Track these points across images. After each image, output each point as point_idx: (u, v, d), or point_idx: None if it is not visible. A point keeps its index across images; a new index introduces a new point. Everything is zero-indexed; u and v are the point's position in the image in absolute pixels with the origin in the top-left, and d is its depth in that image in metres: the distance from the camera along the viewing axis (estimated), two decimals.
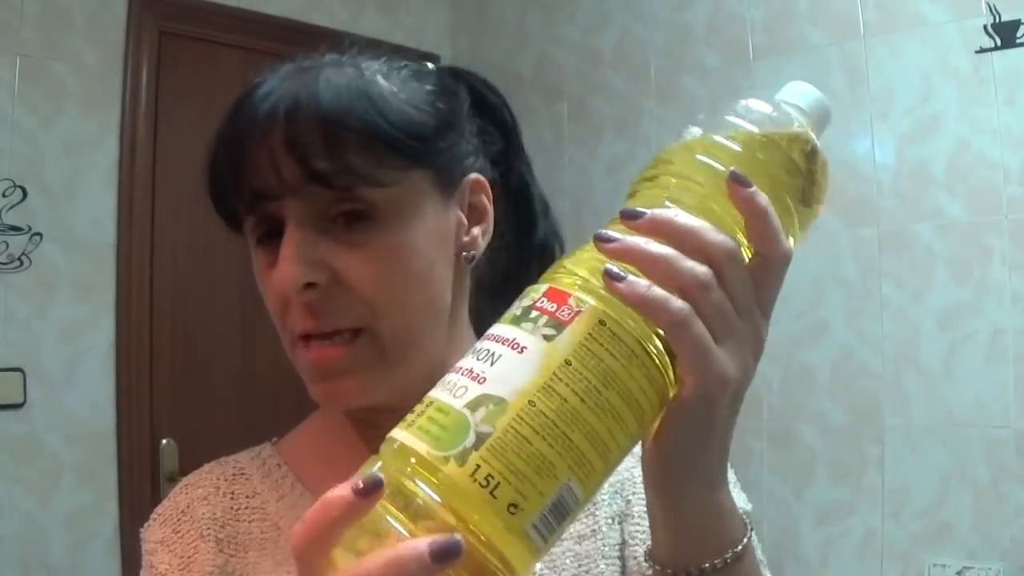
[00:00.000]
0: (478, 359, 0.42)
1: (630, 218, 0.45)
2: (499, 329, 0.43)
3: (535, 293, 0.44)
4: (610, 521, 0.70)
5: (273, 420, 0.77)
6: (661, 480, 0.47)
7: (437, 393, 0.42)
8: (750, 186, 0.44)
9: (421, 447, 0.40)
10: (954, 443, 2.16)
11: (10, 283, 2.29)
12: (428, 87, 0.66)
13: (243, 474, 0.72)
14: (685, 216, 0.44)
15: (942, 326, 2.19)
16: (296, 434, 0.76)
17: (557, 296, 0.43)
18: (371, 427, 0.67)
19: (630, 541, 0.69)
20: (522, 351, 0.41)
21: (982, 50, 2.14)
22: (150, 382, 2.51)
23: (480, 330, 0.72)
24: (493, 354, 0.42)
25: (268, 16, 2.76)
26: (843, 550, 2.31)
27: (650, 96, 2.74)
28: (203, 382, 2.60)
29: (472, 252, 0.69)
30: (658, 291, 0.42)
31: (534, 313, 0.42)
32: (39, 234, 2.34)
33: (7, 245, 2.29)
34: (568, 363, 0.41)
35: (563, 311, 0.42)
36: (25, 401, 2.29)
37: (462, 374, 0.42)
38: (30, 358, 2.31)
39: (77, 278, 2.40)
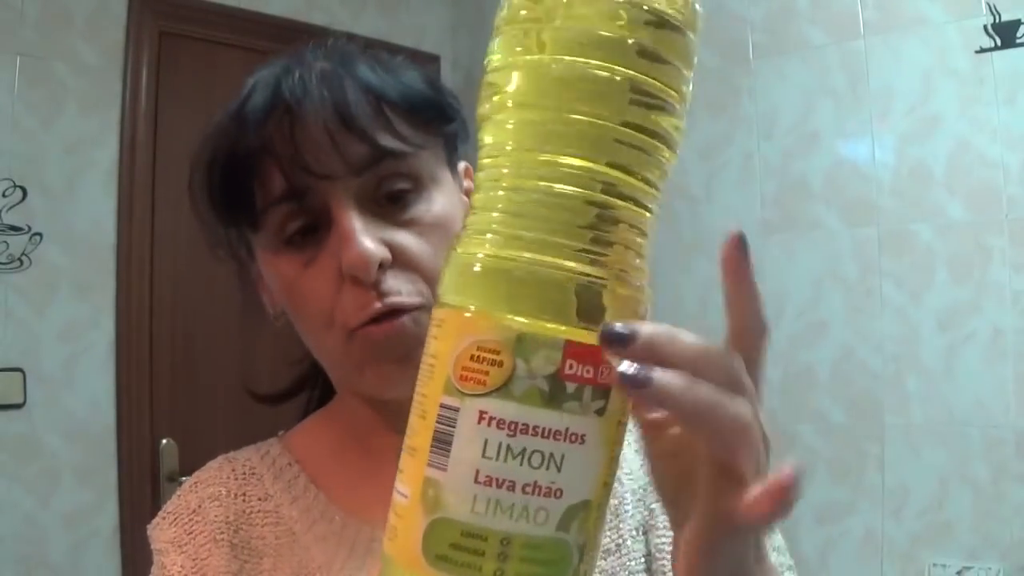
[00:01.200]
0: (534, 466, 0.35)
1: (620, 344, 0.36)
2: (533, 416, 0.35)
3: (550, 351, 0.35)
4: (635, 533, 0.67)
5: (273, 420, 0.76)
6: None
7: (507, 525, 0.35)
8: (749, 264, 0.39)
9: None
10: (954, 443, 2.16)
11: (10, 283, 2.29)
12: (420, 72, 0.68)
13: (254, 474, 0.70)
14: (685, 340, 0.38)
15: (942, 326, 2.19)
16: (304, 429, 0.74)
17: (586, 355, 0.36)
18: (395, 412, 0.66)
19: (657, 554, 0.67)
20: (583, 441, 0.36)
21: (982, 50, 2.14)
22: (150, 382, 2.51)
23: None
24: (553, 457, 0.35)
25: (268, 16, 2.76)
26: (843, 550, 2.31)
27: None
28: (203, 382, 2.60)
29: None
30: (710, 395, 0.37)
31: (571, 386, 0.35)
32: (39, 234, 2.34)
33: (7, 245, 2.29)
34: (621, 423, 0.37)
35: (603, 372, 0.36)
36: (25, 401, 2.29)
37: (529, 492, 0.35)
38: (30, 358, 2.31)
39: (77, 278, 2.40)
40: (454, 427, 0.35)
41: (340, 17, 2.93)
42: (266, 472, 0.70)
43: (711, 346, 0.39)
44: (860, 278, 2.33)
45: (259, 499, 0.69)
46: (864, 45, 2.33)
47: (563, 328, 0.36)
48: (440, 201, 0.63)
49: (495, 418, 0.35)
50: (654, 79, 0.38)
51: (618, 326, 0.36)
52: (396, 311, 0.60)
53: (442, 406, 0.36)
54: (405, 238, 0.61)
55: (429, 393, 0.37)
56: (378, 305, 0.59)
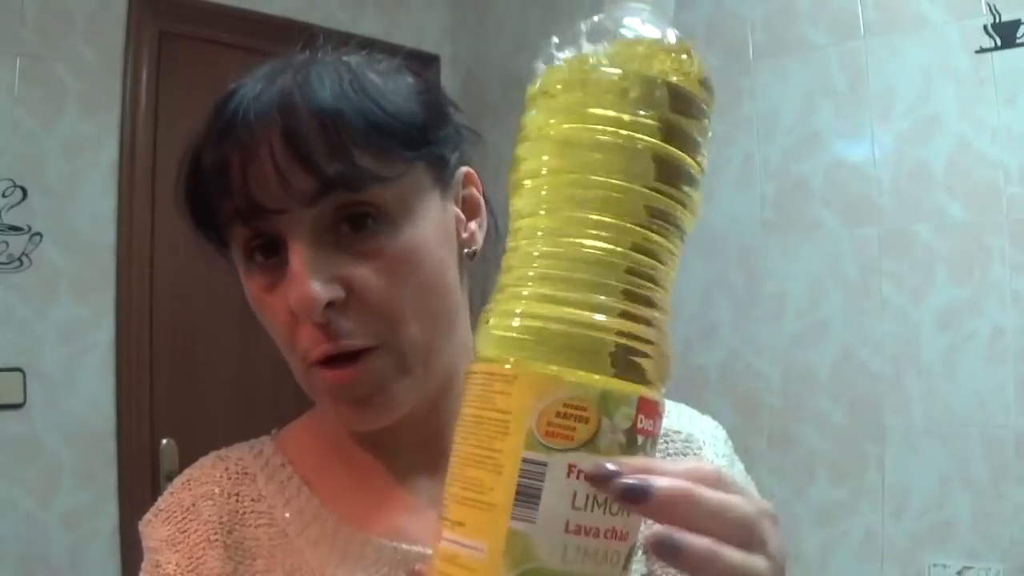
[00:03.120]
0: (612, 513, 0.37)
1: (638, 499, 0.38)
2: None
3: (628, 408, 0.38)
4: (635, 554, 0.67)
5: (273, 419, 0.76)
6: None
7: (591, 569, 0.37)
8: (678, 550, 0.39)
9: None
10: (954, 443, 2.16)
11: (10, 283, 2.29)
12: (409, 79, 0.64)
13: (247, 474, 0.69)
14: (704, 497, 0.39)
15: (942, 326, 2.19)
16: (296, 428, 0.73)
17: (652, 411, 0.39)
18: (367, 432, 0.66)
19: (660, 573, 0.66)
20: None
21: (982, 50, 2.14)
22: (150, 382, 2.51)
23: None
24: None
25: (268, 16, 2.76)
26: (843, 550, 2.31)
27: None
28: (203, 382, 2.60)
29: (473, 248, 0.67)
30: (733, 558, 0.39)
31: (640, 439, 0.38)
32: (39, 234, 2.34)
33: (7, 245, 2.29)
34: None
35: (657, 424, 0.40)
36: (25, 401, 2.29)
37: (608, 537, 0.37)
38: (30, 358, 2.31)
39: (77, 278, 2.40)
40: (542, 481, 0.37)
41: (340, 17, 2.93)
42: (259, 472, 0.69)
43: (733, 501, 0.40)
44: (860, 278, 2.33)
45: (252, 500, 0.68)
46: (864, 45, 2.33)
47: (636, 386, 0.39)
48: (408, 233, 0.60)
49: (584, 471, 0.37)
50: (675, 150, 0.41)
51: (632, 481, 0.38)
52: (350, 354, 0.58)
53: (526, 460, 0.37)
54: (362, 274, 0.58)
55: (505, 449, 0.38)
56: (328, 346, 0.58)
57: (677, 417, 0.72)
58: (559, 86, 0.42)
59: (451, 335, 0.64)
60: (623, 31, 0.42)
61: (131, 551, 2.39)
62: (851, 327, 2.34)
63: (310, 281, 0.56)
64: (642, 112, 0.40)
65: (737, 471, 0.71)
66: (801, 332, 2.42)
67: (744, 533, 0.40)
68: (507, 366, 0.39)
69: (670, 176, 0.41)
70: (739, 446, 0.75)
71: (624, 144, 0.40)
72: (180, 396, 2.56)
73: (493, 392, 0.39)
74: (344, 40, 0.66)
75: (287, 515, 0.67)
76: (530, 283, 0.40)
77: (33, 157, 2.34)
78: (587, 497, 0.37)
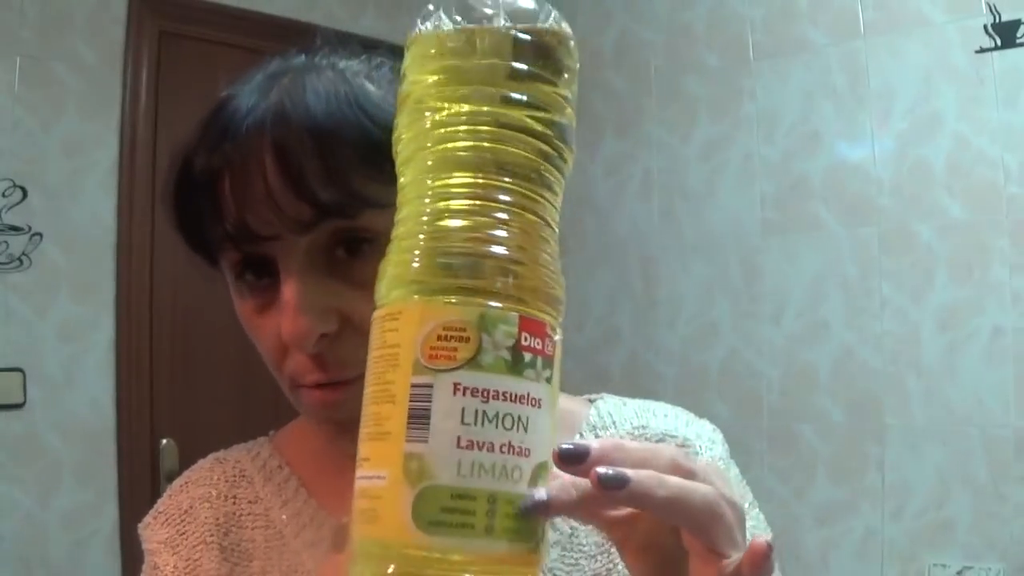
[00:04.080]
0: (507, 428, 0.38)
1: (578, 460, 0.40)
2: (502, 383, 0.38)
3: (506, 326, 0.39)
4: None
5: (273, 420, 0.76)
6: None
7: (490, 484, 0.38)
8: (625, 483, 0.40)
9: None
10: (954, 443, 2.16)
11: (10, 283, 2.29)
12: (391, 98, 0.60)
13: (244, 476, 0.69)
14: (630, 445, 0.42)
15: (942, 326, 2.19)
16: (294, 429, 0.73)
17: (538, 329, 0.40)
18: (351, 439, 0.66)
19: None
20: (540, 405, 0.40)
21: (982, 50, 2.14)
22: (150, 382, 2.51)
23: None
24: (520, 419, 0.39)
25: (268, 16, 2.76)
26: (843, 550, 2.31)
27: (650, 96, 2.74)
28: (203, 382, 2.60)
29: None
30: (678, 484, 0.41)
31: (527, 356, 0.39)
32: (39, 234, 2.34)
33: (7, 245, 2.29)
34: (555, 387, 0.41)
35: (547, 344, 0.40)
36: (25, 401, 2.29)
37: (505, 451, 0.38)
38: (30, 358, 2.31)
39: (77, 278, 2.40)
40: (430, 401, 0.38)
41: (340, 17, 2.93)
42: (256, 474, 0.69)
43: (654, 445, 0.43)
44: (860, 278, 2.33)
45: (249, 502, 0.68)
46: (864, 45, 2.33)
47: (517, 305, 0.40)
48: None
49: (468, 387, 0.38)
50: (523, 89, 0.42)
51: (567, 446, 0.40)
52: (340, 382, 0.57)
53: (414, 386, 0.38)
54: (357, 303, 0.55)
55: (396, 379, 0.39)
56: (318, 376, 0.56)
57: (674, 420, 0.71)
58: (425, 47, 0.43)
59: None
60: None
61: (131, 551, 2.40)
62: (851, 327, 2.34)
63: (303, 315, 0.54)
64: (489, 58, 0.41)
65: (732, 476, 0.70)
66: (801, 332, 2.42)
67: (677, 468, 0.42)
68: (383, 309, 0.41)
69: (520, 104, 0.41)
70: (739, 446, 0.75)
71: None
72: (180, 396, 2.56)
73: (384, 331, 0.40)
74: (344, 39, 0.62)
75: (283, 517, 0.67)
76: (412, 233, 0.41)
77: (33, 157, 2.34)
78: (476, 412, 0.38)
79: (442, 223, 0.40)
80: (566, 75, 0.43)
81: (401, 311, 0.40)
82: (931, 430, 2.20)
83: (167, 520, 0.68)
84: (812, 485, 2.37)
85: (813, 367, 2.39)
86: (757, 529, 0.68)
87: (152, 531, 0.68)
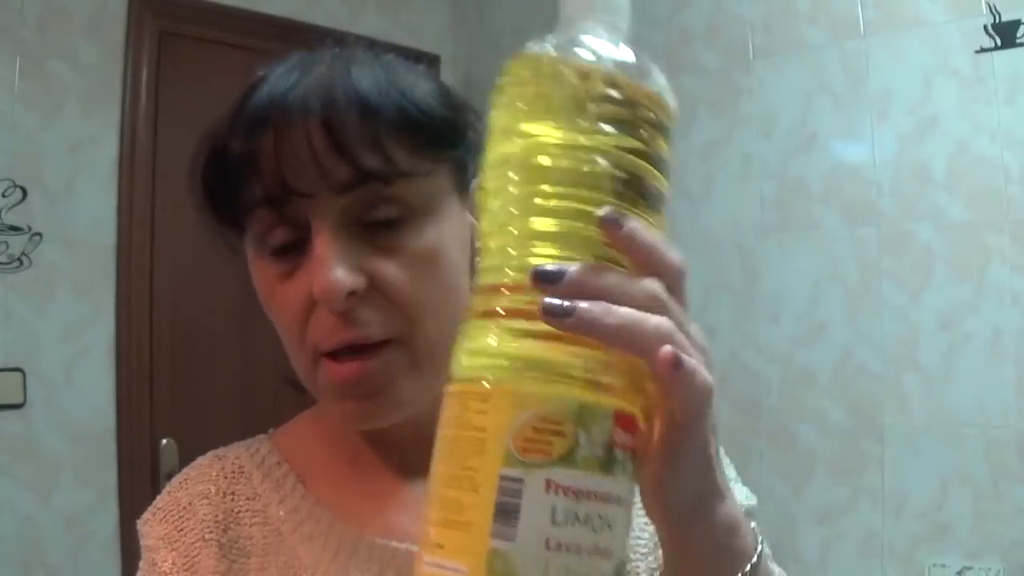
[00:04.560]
0: (595, 529, 0.37)
1: (550, 282, 0.39)
2: (594, 482, 0.38)
3: (602, 422, 0.38)
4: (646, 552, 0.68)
5: (273, 419, 0.76)
6: (675, 509, 0.44)
7: None
8: (622, 226, 0.40)
9: None
10: (954, 443, 2.16)
11: (10, 283, 2.29)
12: (435, 84, 0.65)
13: (243, 472, 0.69)
14: (608, 274, 0.40)
15: (942, 326, 2.19)
16: (294, 427, 0.73)
17: (630, 425, 0.39)
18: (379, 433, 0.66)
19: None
20: (622, 503, 0.39)
21: (982, 50, 2.14)
22: (150, 382, 2.51)
23: None
24: (607, 519, 0.38)
25: (268, 16, 2.76)
26: (843, 550, 2.31)
27: None
28: (203, 382, 2.61)
29: None
30: (630, 313, 0.39)
31: (619, 453, 0.38)
32: (39, 234, 2.34)
33: (7, 245, 2.29)
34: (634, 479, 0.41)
35: (636, 439, 0.40)
36: (25, 401, 2.29)
37: (592, 554, 0.37)
38: (30, 358, 2.31)
39: (77, 278, 2.40)
40: (520, 498, 0.36)
41: (340, 17, 2.93)
42: (255, 471, 0.70)
43: (631, 276, 0.41)
44: (860, 278, 2.33)
45: (247, 498, 0.68)
46: (864, 45, 2.33)
47: (612, 399, 0.39)
48: (432, 233, 0.60)
49: (561, 486, 0.37)
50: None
51: (549, 267, 0.39)
52: (363, 347, 0.58)
53: (503, 477, 0.37)
54: (386, 267, 0.58)
55: (481, 467, 0.37)
56: (344, 336, 0.58)
57: None
58: (522, 87, 0.42)
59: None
60: (579, 51, 0.42)
61: (131, 551, 2.39)
62: (851, 327, 2.34)
63: (335, 267, 0.56)
64: (601, 129, 0.40)
65: (731, 476, 0.72)
66: (801, 332, 2.42)
67: (644, 299, 0.41)
68: (484, 383, 0.39)
69: (630, 194, 0.40)
70: (739, 446, 0.76)
71: (581, 165, 0.40)
72: (180, 396, 2.56)
73: (469, 411, 0.38)
74: (370, 43, 0.66)
75: (281, 513, 0.67)
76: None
77: (33, 157, 2.34)
78: (567, 513, 0.37)
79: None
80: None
81: (492, 393, 0.38)
82: (931, 430, 2.20)
83: (166, 516, 0.68)
84: (812, 485, 2.37)
85: (813, 367, 2.39)
86: (739, 493, 0.70)
87: (151, 527, 0.68)
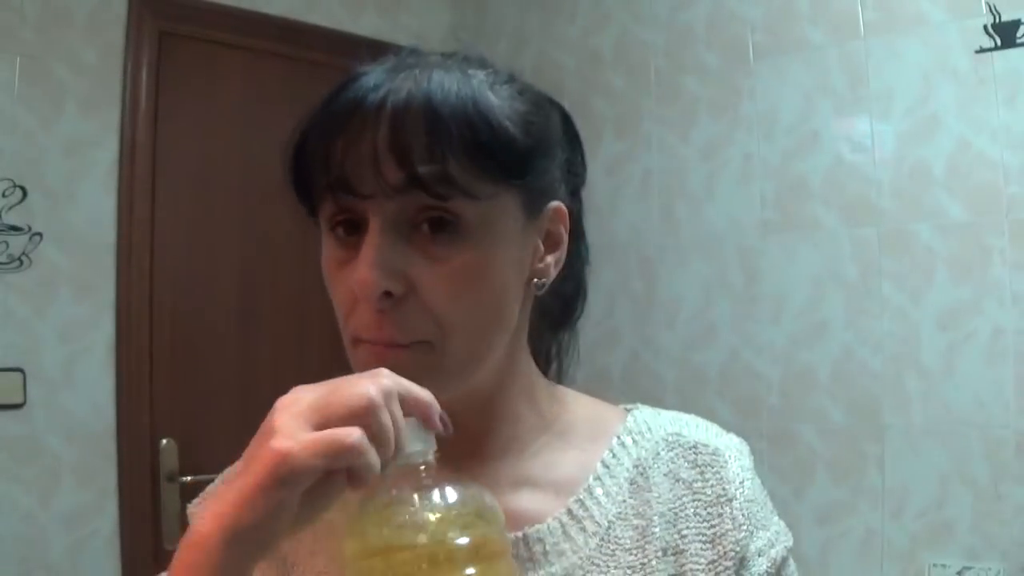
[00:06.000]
0: None
1: None
2: None
3: None
4: (660, 555, 0.69)
5: None
6: None
7: None
8: None
9: None
10: (954, 443, 2.16)
11: (10, 283, 2.29)
12: (527, 107, 0.66)
13: None
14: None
15: (942, 326, 2.19)
16: None
17: None
18: None
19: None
20: None
21: (982, 50, 2.14)
22: (150, 382, 2.51)
23: (538, 354, 0.75)
24: None
25: (268, 16, 2.76)
26: (843, 550, 2.31)
27: (650, 96, 2.74)
28: (203, 382, 2.60)
29: (544, 279, 0.69)
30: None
31: None
32: (39, 234, 2.34)
33: (7, 245, 2.29)
34: None
35: None
36: (25, 401, 2.29)
37: None
38: (30, 358, 2.31)
39: (77, 278, 2.40)
40: None
41: (340, 17, 2.93)
42: None
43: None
44: (860, 278, 2.33)
45: None
46: (864, 45, 2.33)
47: None
48: (482, 250, 0.62)
49: None
50: None
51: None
52: (395, 344, 0.62)
53: None
54: (428, 275, 0.61)
55: None
56: (376, 334, 0.62)
57: (705, 431, 0.77)
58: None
59: (494, 355, 0.67)
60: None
61: (131, 551, 2.40)
62: (851, 327, 2.34)
63: (374, 268, 0.59)
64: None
65: (756, 485, 0.76)
66: (801, 332, 2.42)
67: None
68: None
69: None
70: None
71: None
72: (180, 396, 2.56)
73: None
74: (466, 56, 0.68)
75: None
76: None
77: (33, 157, 2.34)
78: None
79: None
80: None
81: None
82: (931, 430, 2.20)
83: None
84: (812, 485, 2.37)
85: (813, 367, 2.39)
86: (779, 536, 0.74)
87: (204, 509, 0.70)
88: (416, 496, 0.50)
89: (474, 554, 0.48)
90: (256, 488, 0.48)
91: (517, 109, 0.65)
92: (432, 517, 0.49)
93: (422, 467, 0.51)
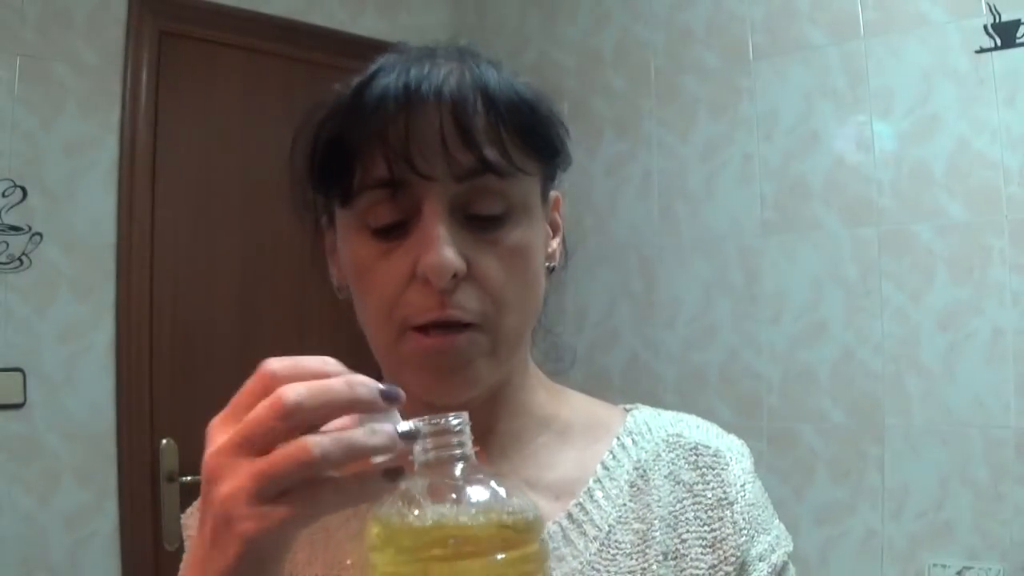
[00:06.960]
0: None
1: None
2: None
3: None
4: (660, 559, 0.68)
5: None
6: None
7: None
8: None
9: None
10: (954, 443, 2.16)
11: (10, 283, 2.29)
12: (539, 96, 0.68)
13: None
14: None
15: (942, 326, 2.19)
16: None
17: None
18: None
19: None
20: None
21: (982, 50, 2.14)
22: (150, 382, 2.51)
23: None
24: None
25: (268, 16, 2.76)
26: (843, 550, 2.31)
27: (650, 96, 2.74)
28: (203, 382, 2.60)
29: (553, 264, 0.71)
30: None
31: None
32: (39, 234, 2.34)
33: (7, 245, 2.29)
34: None
35: None
36: (25, 401, 2.29)
37: None
38: (30, 358, 2.31)
39: (77, 278, 2.40)
40: None
41: (340, 17, 2.93)
42: None
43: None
44: (860, 278, 2.33)
45: None
46: (864, 45, 2.33)
47: None
48: (521, 232, 0.65)
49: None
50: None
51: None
52: (451, 325, 0.62)
53: None
54: (484, 258, 0.62)
55: None
56: (438, 313, 0.61)
57: (706, 432, 0.77)
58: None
59: (527, 340, 0.70)
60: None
61: (131, 551, 2.40)
62: (851, 327, 2.34)
63: (447, 248, 0.60)
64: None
65: (757, 488, 0.75)
66: (801, 332, 2.42)
67: None
68: None
69: None
70: None
71: None
72: (180, 396, 2.56)
73: None
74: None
75: None
76: None
77: (33, 157, 2.34)
78: None
79: None
80: None
81: None
82: (931, 430, 2.20)
83: None
84: (812, 485, 2.37)
85: (813, 367, 2.39)
86: (779, 540, 0.74)
87: (195, 520, 0.69)
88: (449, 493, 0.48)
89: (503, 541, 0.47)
90: (231, 573, 0.46)
91: (538, 94, 0.68)
92: (462, 517, 0.47)
93: (458, 461, 0.49)
